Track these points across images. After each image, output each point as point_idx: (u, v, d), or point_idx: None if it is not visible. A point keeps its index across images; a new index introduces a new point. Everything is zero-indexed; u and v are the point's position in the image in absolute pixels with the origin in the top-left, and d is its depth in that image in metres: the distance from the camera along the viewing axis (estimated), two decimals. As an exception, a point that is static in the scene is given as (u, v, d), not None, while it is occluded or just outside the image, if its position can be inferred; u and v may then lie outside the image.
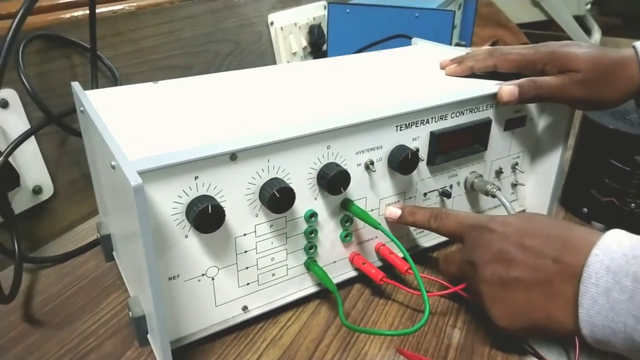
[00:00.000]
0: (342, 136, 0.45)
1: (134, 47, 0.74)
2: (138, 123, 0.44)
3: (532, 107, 0.59)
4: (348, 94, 0.53)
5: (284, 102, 0.50)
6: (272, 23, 1.07)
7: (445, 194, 0.55)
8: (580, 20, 1.68)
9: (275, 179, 0.42)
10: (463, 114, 0.53)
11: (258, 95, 0.52)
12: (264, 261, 0.46)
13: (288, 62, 1.12)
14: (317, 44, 1.19)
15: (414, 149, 0.50)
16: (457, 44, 1.43)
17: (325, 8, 1.20)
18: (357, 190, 0.49)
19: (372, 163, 0.48)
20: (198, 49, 0.87)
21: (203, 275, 0.43)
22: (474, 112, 0.53)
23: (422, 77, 0.60)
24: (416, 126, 0.50)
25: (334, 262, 0.51)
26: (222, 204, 0.40)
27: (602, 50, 0.53)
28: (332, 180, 0.44)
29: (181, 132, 0.42)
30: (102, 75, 0.68)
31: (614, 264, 0.34)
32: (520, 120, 0.58)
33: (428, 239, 0.58)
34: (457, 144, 0.54)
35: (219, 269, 0.43)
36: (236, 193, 0.41)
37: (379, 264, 0.54)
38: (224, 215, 0.39)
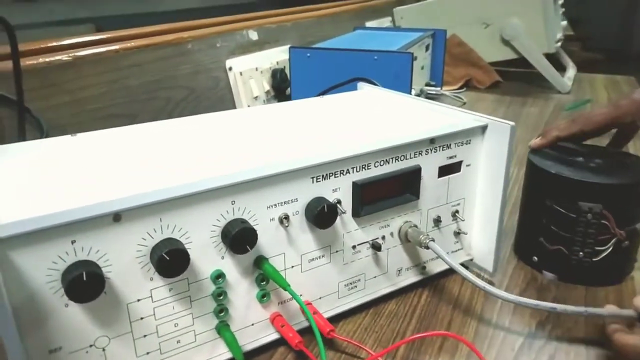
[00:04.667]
0: (248, 190, 0.43)
1: (70, 97, 0.72)
2: (28, 181, 0.42)
3: (467, 152, 0.56)
4: (265, 143, 0.50)
5: (192, 155, 0.47)
6: (230, 68, 1.06)
7: (375, 246, 0.52)
8: (553, 57, 1.68)
9: (168, 239, 0.39)
10: (388, 163, 0.50)
11: (167, 148, 0.49)
12: (165, 327, 0.42)
13: (249, 106, 1.10)
14: (280, 88, 1.18)
15: (334, 201, 0.47)
16: (427, 84, 1.43)
17: (289, 52, 1.20)
18: (273, 246, 0.46)
19: (286, 217, 0.45)
20: (145, 97, 0.85)
21: (91, 346, 0.39)
22: (401, 160, 0.51)
23: (353, 124, 0.57)
24: (335, 177, 0.47)
25: (252, 324, 0.47)
26: (107, 269, 0.37)
27: None
28: (235, 239, 0.41)
29: (68, 190, 0.39)
30: (32, 128, 0.66)
31: None
32: (455, 166, 0.56)
33: (364, 294, 0.54)
34: (384, 193, 0.51)
35: (110, 339, 0.39)
36: (124, 256, 0.38)
37: (306, 324, 0.50)
38: (103, 283, 0.36)
